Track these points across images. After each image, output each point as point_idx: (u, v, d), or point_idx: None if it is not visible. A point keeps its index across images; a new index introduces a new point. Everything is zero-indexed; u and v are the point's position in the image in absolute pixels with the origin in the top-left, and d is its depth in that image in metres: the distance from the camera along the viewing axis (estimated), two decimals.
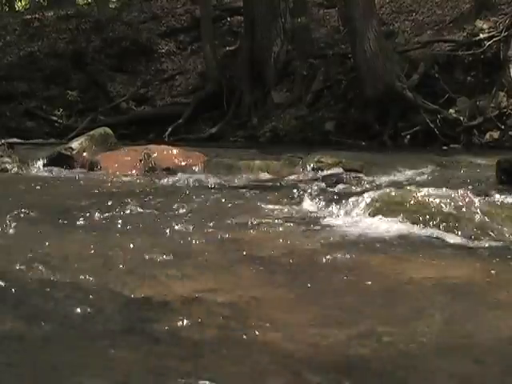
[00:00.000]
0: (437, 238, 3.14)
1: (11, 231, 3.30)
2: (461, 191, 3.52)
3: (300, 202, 4.12)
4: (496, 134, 9.83)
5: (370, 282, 2.50)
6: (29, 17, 17.46)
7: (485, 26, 10.94)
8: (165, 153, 6.67)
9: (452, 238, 3.13)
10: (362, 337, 1.95)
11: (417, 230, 3.24)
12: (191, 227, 3.43)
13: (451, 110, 10.28)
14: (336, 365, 1.77)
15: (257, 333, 1.96)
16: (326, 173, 5.95)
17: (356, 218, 3.50)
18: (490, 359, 1.82)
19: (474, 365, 1.79)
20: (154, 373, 1.71)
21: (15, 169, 6.58)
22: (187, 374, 1.68)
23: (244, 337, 1.93)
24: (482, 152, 8.22)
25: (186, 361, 1.79)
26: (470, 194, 3.48)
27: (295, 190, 4.52)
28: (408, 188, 3.68)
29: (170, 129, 12.90)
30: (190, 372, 1.71)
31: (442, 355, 1.81)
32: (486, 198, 3.62)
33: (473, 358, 1.83)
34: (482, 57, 10.61)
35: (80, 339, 1.93)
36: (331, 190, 4.98)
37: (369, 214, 3.46)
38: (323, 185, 5.19)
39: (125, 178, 5.95)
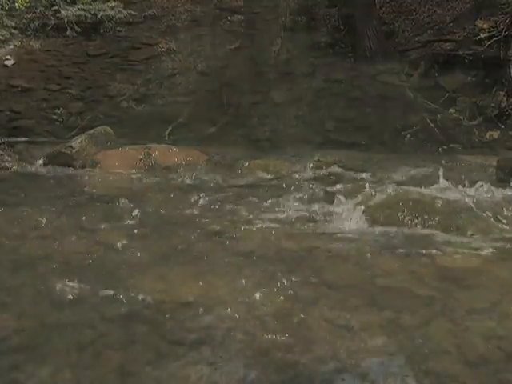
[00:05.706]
0: (436, 237, 3.15)
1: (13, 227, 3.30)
2: (460, 191, 3.53)
3: (299, 202, 4.13)
4: (496, 134, 9.82)
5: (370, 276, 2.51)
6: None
7: (485, 26, 10.93)
8: (165, 152, 6.68)
9: (451, 237, 3.13)
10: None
11: (416, 229, 3.24)
12: (190, 226, 3.43)
13: (451, 110, 10.26)
14: None
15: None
16: (325, 172, 5.94)
17: (354, 218, 3.50)
18: None
19: None
20: None
21: (15, 167, 6.58)
22: None
23: None
24: (482, 152, 8.21)
25: None
26: (470, 194, 3.49)
27: (295, 190, 4.52)
28: (407, 187, 3.69)
29: (170, 128, 12.88)
30: None
31: None
32: (487, 197, 3.63)
33: None
34: (483, 56, 10.60)
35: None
36: (330, 189, 4.97)
37: (367, 214, 3.46)
38: (323, 184, 5.19)
39: (125, 177, 5.95)
